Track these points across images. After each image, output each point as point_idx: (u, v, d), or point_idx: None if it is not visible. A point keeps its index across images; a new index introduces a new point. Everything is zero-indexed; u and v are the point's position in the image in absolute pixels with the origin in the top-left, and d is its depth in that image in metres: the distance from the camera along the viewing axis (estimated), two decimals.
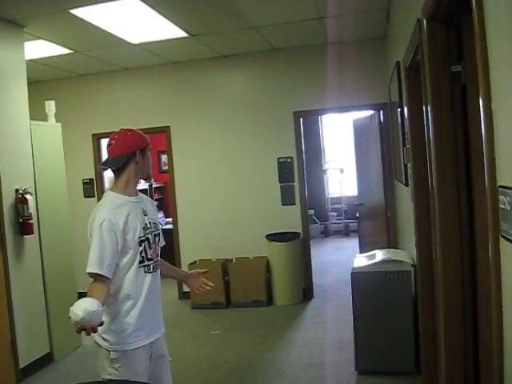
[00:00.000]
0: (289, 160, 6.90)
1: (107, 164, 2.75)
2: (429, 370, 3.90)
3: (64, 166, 5.69)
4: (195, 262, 7.00)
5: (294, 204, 6.92)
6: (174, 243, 7.35)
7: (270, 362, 4.84)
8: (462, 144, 2.46)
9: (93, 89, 7.56)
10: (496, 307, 1.61)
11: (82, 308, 2.28)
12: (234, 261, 6.94)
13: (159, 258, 2.91)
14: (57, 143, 5.60)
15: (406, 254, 4.47)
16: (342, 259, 8.90)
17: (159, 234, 2.91)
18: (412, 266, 4.16)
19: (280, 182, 6.94)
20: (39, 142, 5.25)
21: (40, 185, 5.17)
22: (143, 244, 2.73)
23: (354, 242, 9.52)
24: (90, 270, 2.56)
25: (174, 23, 5.34)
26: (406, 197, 5.03)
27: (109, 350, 2.65)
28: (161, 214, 9.45)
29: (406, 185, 4.49)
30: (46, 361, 5.05)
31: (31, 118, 5.19)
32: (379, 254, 4.45)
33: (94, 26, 5.15)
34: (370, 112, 7.08)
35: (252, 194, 7.07)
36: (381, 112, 6.64)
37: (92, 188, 7.63)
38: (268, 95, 6.98)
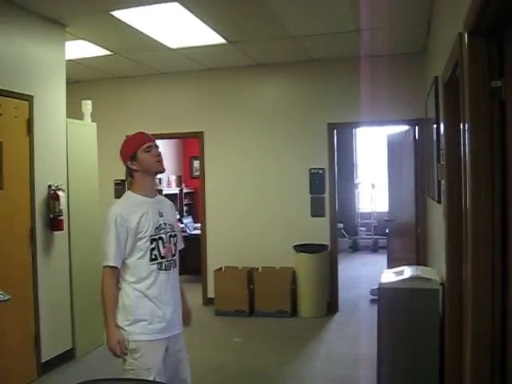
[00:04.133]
0: (321, 171, 6.85)
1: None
2: None
3: (97, 165, 5.76)
4: (221, 268, 7.00)
5: (323, 216, 6.86)
6: (201, 249, 7.35)
7: (290, 374, 4.78)
8: (498, 163, 2.39)
9: (129, 91, 7.65)
10: None
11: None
12: (260, 270, 6.90)
13: (176, 257, 3.05)
14: (91, 142, 5.67)
15: (435, 272, 4.37)
16: (370, 275, 8.77)
17: (176, 235, 3.06)
18: (440, 284, 4.06)
19: (311, 193, 6.89)
20: (74, 140, 5.32)
21: (72, 182, 5.24)
22: (155, 242, 2.90)
23: (382, 258, 9.39)
24: (109, 263, 2.83)
25: (213, 29, 5.37)
26: (437, 214, 4.94)
27: (128, 341, 2.80)
28: (190, 219, 9.49)
29: (439, 202, 4.41)
30: (67, 357, 5.09)
31: (68, 117, 5.27)
32: (407, 271, 4.36)
33: (134, 28, 5.21)
34: (405, 127, 6.99)
35: (282, 203, 7.03)
36: (416, 128, 6.55)
37: (123, 189, 7.69)
38: (302, 105, 6.97)
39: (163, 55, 6.33)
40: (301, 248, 6.67)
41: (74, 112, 5.52)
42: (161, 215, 2.98)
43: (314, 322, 6.39)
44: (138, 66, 6.90)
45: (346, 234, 11.77)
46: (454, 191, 3.66)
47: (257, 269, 6.91)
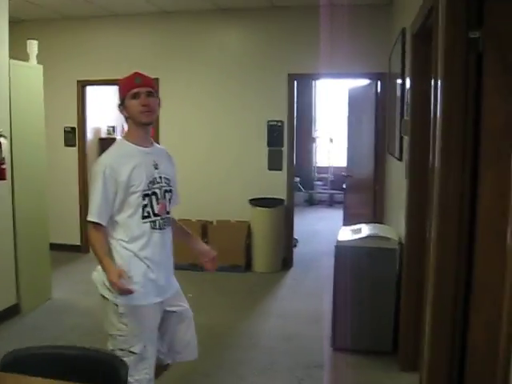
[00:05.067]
0: (279, 124, 6.65)
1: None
2: (406, 352, 3.79)
3: (43, 110, 5.38)
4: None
5: (280, 170, 6.71)
6: None
7: (244, 331, 4.70)
8: (472, 121, 2.25)
9: (80, 33, 7.18)
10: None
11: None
12: (215, 223, 6.76)
13: (170, 215, 2.81)
14: (37, 86, 5.28)
15: (393, 231, 4.30)
16: (325, 230, 8.78)
17: (171, 190, 2.79)
18: (399, 243, 4.00)
19: (268, 145, 6.71)
20: (18, 84, 4.94)
21: (16, 129, 4.87)
22: (147, 198, 2.62)
23: (337, 213, 9.37)
24: (92, 218, 2.55)
25: None
26: (397, 172, 4.86)
27: (117, 305, 2.58)
28: None
29: (400, 159, 4.31)
30: (11, 312, 4.84)
31: (11, 58, 4.88)
32: (365, 229, 4.28)
33: None
34: (367, 82, 6.83)
35: (238, 156, 6.84)
36: (378, 82, 6.40)
37: (74, 137, 7.34)
38: (263, 55, 6.69)
39: None
40: (257, 202, 6.53)
41: (18, 53, 5.11)
42: (156, 167, 2.70)
43: (268, 277, 6.32)
44: (88, 5, 6.44)
45: (303, 187, 11.71)
46: (417, 148, 3.56)
47: (211, 222, 6.76)
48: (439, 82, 2.34)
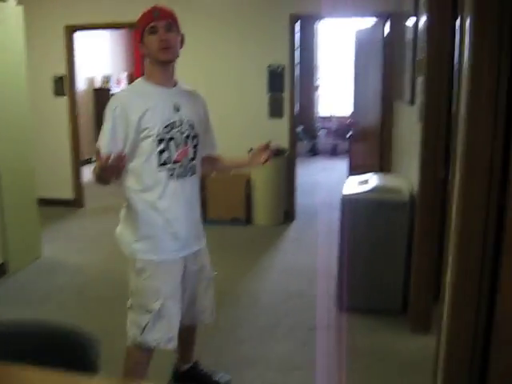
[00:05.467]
0: (280, 69, 6.24)
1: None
2: (418, 312, 3.54)
3: (25, 57, 4.98)
4: None
5: (281, 117, 6.32)
6: None
7: (246, 288, 4.44)
8: (507, 63, 1.89)
9: None
10: None
11: None
12: (213, 175, 6.43)
13: (196, 162, 2.52)
14: (16, 29, 4.83)
15: (403, 182, 3.98)
16: (329, 181, 8.47)
17: (196, 135, 2.51)
18: (410, 196, 3.68)
19: (269, 91, 6.30)
20: None
21: None
22: (163, 144, 2.36)
23: (342, 163, 9.07)
24: (99, 148, 2.20)
25: None
26: (408, 117, 4.50)
27: (135, 259, 2.44)
28: None
29: (412, 103, 3.94)
30: None
31: None
32: (373, 179, 3.95)
33: None
34: (373, 23, 6.38)
35: (237, 103, 6.44)
36: (387, 23, 5.95)
37: (63, 86, 6.93)
38: None
39: None
40: None
41: None
42: (177, 110, 2.43)
43: (270, 230, 6.04)
44: None
45: (306, 137, 11.33)
46: (433, 89, 3.19)
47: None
48: (469, 19, 1.97)
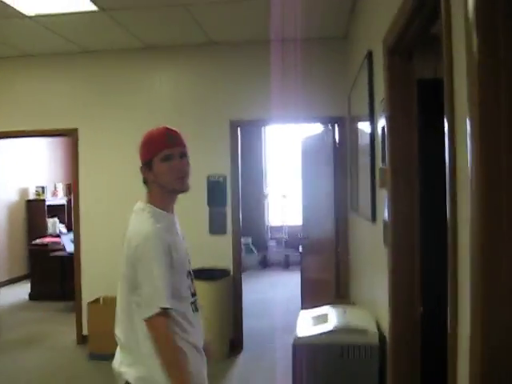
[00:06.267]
0: (221, 179, 5.61)
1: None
2: None
3: None
4: (98, 299, 5.59)
5: (224, 233, 5.61)
6: (75, 272, 5.90)
7: None
8: None
9: None
10: None
11: None
12: None
13: None
14: None
15: (368, 316, 3.24)
16: (281, 298, 7.68)
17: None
18: (379, 336, 2.94)
19: (209, 205, 5.63)
20: None
21: None
22: (190, 276, 2.22)
23: (294, 276, 8.31)
24: (166, 304, 1.96)
25: None
26: (367, 235, 3.86)
27: None
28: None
29: (373, 220, 3.30)
30: None
31: None
32: (332, 315, 3.20)
33: None
34: (322, 128, 5.93)
35: None
36: (336, 128, 5.49)
37: None
38: (201, 98, 5.70)
39: (22, 27, 4.84)
40: (197, 274, 5.35)
41: None
42: (183, 238, 2.30)
43: (214, 367, 5.09)
44: None
45: (255, 248, 10.62)
46: (403, 206, 2.55)
47: None
48: (471, 120, 1.34)
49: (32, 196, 10.15)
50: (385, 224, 2.82)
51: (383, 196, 2.85)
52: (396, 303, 2.65)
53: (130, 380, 2.05)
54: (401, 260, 2.61)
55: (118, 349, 2.16)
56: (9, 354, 5.59)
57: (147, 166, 2.19)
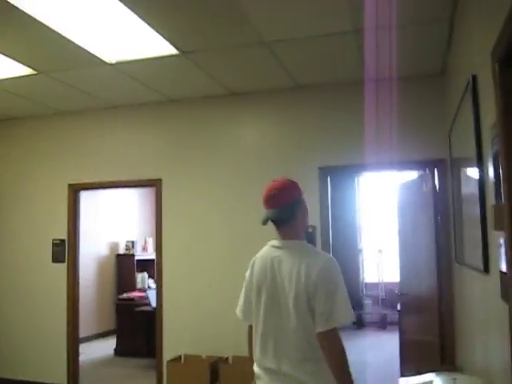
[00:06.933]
0: (310, 230, 5.23)
1: (274, 215, 2.63)
2: None
3: None
4: (180, 357, 5.29)
5: None
6: (157, 330, 5.63)
7: None
8: None
9: (71, 130, 6.15)
10: None
11: None
12: (231, 360, 5.19)
13: None
14: None
15: None
16: (378, 361, 7.02)
17: None
18: None
19: None
20: None
21: None
22: None
23: (391, 338, 7.66)
24: (348, 320, 2.42)
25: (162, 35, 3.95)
26: (478, 289, 3.31)
27: None
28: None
29: (486, 271, 2.78)
30: None
31: None
32: None
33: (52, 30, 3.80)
34: (418, 174, 5.44)
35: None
36: (435, 172, 4.99)
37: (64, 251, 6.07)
38: (287, 146, 5.41)
39: (103, 75, 4.84)
40: None
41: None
42: None
43: None
44: (78, 95, 5.44)
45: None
46: None
47: (226, 359, 5.19)
48: None
49: (122, 251, 10.20)
50: (502, 276, 2.31)
51: (498, 240, 2.36)
52: None
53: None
54: None
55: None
56: None
57: (301, 199, 2.67)
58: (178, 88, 5.38)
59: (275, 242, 2.65)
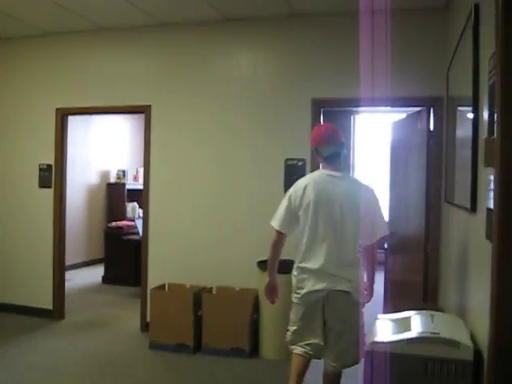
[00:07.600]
0: (300, 163, 5.15)
1: (337, 149, 3.30)
2: None
3: None
4: (164, 285, 5.32)
5: None
6: (142, 258, 5.64)
7: None
8: None
9: (59, 52, 5.94)
10: None
11: None
12: (215, 291, 5.22)
13: None
14: None
15: (461, 327, 2.68)
16: None
17: None
18: (474, 351, 2.38)
19: (285, 191, 5.18)
20: None
21: None
22: None
23: (377, 277, 7.69)
24: (387, 234, 3.30)
25: None
26: (464, 228, 3.27)
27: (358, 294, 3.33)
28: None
29: (473, 210, 2.72)
30: None
31: None
32: (416, 322, 2.66)
33: None
34: (414, 111, 5.32)
35: (247, 205, 5.33)
36: (431, 111, 4.87)
37: (50, 176, 5.98)
38: (281, 75, 5.26)
39: None
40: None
41: None
42: None
43: (280, 367, 4.63)
44: (68, 15, 5.22)
45: None
46: None
47: (210, 289, 5.23)
48: None
49: (113, 179, 10.13)
50: (489, 214, 2.26)
51: (488, 178, 2.28)
52: (500, 312, 2.08)
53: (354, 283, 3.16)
54: (510, 258, 2.04)
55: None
56: (71, 335, 5.44)
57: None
58: (168, 9, 5.13)
59: (330, 172, 3.22)
